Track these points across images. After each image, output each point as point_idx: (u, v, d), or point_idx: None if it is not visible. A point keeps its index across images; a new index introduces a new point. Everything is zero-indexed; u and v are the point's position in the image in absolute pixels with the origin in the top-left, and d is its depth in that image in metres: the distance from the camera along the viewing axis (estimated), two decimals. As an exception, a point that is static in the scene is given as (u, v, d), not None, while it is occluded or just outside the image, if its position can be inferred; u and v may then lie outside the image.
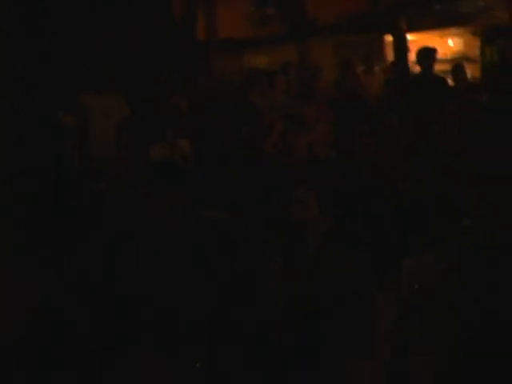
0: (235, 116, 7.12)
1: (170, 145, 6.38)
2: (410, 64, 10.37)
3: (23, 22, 6.81)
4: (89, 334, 3.73)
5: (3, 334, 3.74)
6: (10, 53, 6.49)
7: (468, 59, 10.72)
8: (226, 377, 3.55)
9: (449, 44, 11.41)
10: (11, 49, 6.52)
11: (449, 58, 11.07)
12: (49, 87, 6.77)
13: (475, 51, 11.42)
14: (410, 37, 10.79)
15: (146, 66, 8.09)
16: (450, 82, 7.83)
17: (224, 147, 6.68)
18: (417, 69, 6.68)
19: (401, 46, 10.48)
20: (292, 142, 6.54)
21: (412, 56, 10.64)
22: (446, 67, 8.90)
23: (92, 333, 3.73)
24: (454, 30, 11.82)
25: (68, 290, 4.05)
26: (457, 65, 8.26)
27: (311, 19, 11.12)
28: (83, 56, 7.41)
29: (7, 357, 3.63)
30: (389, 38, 12.15)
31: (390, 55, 11.97)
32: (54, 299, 3.97)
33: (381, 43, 12.57)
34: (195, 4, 9.98)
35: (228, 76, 9.18)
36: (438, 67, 8.04)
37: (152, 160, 6.23)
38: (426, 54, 6.59)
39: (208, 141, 6.74)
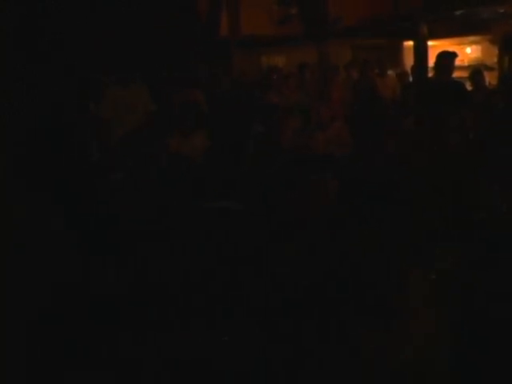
0: (253, 113, 7.22)
1: (181, 138, 6.51)
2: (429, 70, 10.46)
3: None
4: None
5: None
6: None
7: (486, 66, 10.78)
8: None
9: (467, 51, 11.47)
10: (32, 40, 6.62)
11: (466, 64, 11.16)
12: (77, 78, 6.88)
13: (493, 58, 11.47)
14: (429, 43, 10.86)
15: (170, 62, 8.20)
16: (468, 87, 7.90)
17: (242, 143, 6.79)
18: (435, 74, 6.72)
19: (421, 52, 10.53)
20: (306, 139, 6.68)
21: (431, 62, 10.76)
22: (464, 74, 8.98)
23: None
24: (472, 38, 11.88)
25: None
26: (475, 71, 8.33)
27: (332, 21, 11.19)
28: (113, 50, 7.51)
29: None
30: (406, 43, 12.23)
31: (407, 60, 12.05)
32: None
33: (399, 48, 12.65)
34: (220, 2, 10.08)
35: (247, 74, 9.27)
36: (455, 73, 8.10)
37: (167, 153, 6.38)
38: (446, 58, 6.60)
39: (226, 136, 6.84)
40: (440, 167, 5.73)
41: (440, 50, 6.95)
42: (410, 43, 11.44)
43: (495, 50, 11.50)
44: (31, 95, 5.24)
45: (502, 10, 10.59)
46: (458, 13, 10.24)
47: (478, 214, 4.52)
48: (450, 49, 9.62)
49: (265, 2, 11.03)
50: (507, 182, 5.34)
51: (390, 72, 10.09)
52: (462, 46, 11.30)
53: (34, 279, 3.99)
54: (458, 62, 8.57)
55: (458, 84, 6.94)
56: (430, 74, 9.96)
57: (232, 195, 5.57)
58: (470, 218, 4.23)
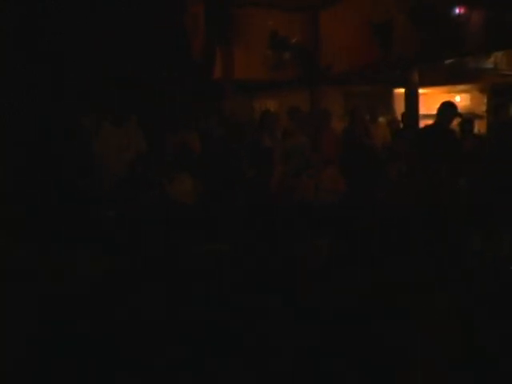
0: (247, 156, 7.24)
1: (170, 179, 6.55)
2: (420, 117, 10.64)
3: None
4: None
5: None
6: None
7: (475, 115, 10.93)
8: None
9: (456, 99, 11.64)
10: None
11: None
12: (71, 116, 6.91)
13: (482, 107, 11.66)
14: (420, 90, 11.04)
15: (164, 103, 8.25)
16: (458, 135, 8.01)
17: (233, 186, 6.80)
18: (436, 122, 6.87)
19: (412, 99, 10.70)
20: (293, 184, 6.70)
21: (420, 108, 10.92)
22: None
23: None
24: (461, 86, 12.09)
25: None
26: (465, 119, 8.45)
27: (324, 67, 11.36)
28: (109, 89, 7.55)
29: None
30: (397, 91, 12.42)
31: (397, 107, 12.23)
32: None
33: (389, 95, 12.84)
34: (214, 44, 10.20)
35: (240, 117, 9.35)
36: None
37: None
38: (449, 109, 6.81)
39: (217, 179, 6.86)
40: (431, 214, 5.76)
41: (430, 98, 7.09)
42: (401, 90, 11.63)
43: (484, 99, 11.69)
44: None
45: (490, 61, 10.83)
46: (447, 62, 10.43)
47: (465, 263, 4.56)
48: (441, 97, 9.82)
49: (259, 47, 11.19)
50: (494, 232, 5.39)
51: (380, 119, 10.22)
52: (451, 94, 11.47)
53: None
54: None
55: (452, 132, 7.06)
56: (422, 122, 10.13)
57: (221, 237, 5.57)
58: (458, 267, 4.27)
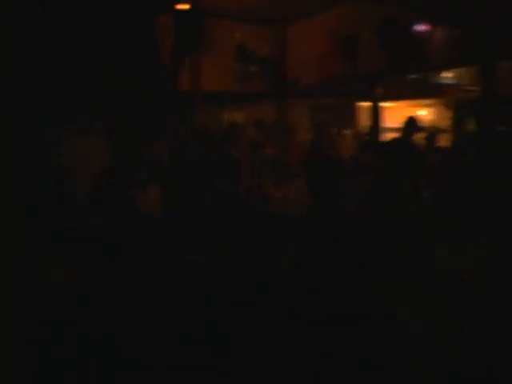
0: (215, 167, 7.24)
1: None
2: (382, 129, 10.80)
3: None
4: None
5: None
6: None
7: (439, 129, 11.11)
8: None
9: (421, 113, 11.82)
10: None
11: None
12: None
13: (446, 121, 11.84)
14: (385, 104, 11.20)
15: (132, 114, 8.21)
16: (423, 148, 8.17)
17: (201, 196, 6.79)
18: (402, 136, 7.07)
19: (377, 113, 10.86)
20: (261, 195, 6.73)
21: (385, 122, 11.08)
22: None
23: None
24: (427, 101, 12.29)
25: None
26: (431, 133, 8.62)
27: (291, 80, 11.44)
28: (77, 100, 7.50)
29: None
30: (360, 104, 12.58)
31: (360, 120, 12.38)
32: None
33: (353, 108, 12.99)
34: (182, 57, 10.20)
35: (208, 128, 9.34)
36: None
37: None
38: (412, 124, 7.10)
39: (185, 189, 6.84)
40: (397, 225, 5.85)
41: (396, 112, 7.24)
42: (364, 104, 11.78)
43: (448, 113, 11.89)
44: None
45: (453, 76, 11.05)
46: (412, 77, 10.61)
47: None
48: (405, 111, 9.99)
49: (226, 59, 11.22)
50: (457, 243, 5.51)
51: (346, 131, 10.35)
52: (416, 109, 11.63)
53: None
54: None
55: (416, 146, 7.21)
56: (387, 135, 10.27)
57: (190, 247, 5.57)
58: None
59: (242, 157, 7.64)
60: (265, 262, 5.19)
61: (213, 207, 6.55)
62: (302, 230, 5.97)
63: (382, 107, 10.98)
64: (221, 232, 5.90)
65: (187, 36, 10.27)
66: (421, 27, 9.35)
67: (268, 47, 11.78)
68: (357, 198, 6.66)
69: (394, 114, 10.91)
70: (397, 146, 7.14)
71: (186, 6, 9.88)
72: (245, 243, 5.61)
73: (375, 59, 10.02)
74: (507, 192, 6.11)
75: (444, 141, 10.75)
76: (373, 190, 6.65)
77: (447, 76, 11.29)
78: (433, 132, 9.05)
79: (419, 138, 9.00)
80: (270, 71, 11.58)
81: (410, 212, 6.17)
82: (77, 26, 7.76)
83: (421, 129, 7.12)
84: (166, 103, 8.99)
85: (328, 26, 10.91)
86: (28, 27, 6.73)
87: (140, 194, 6.51)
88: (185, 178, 6.90)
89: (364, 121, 11.74)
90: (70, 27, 7.73)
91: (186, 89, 10.55)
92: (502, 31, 7.89)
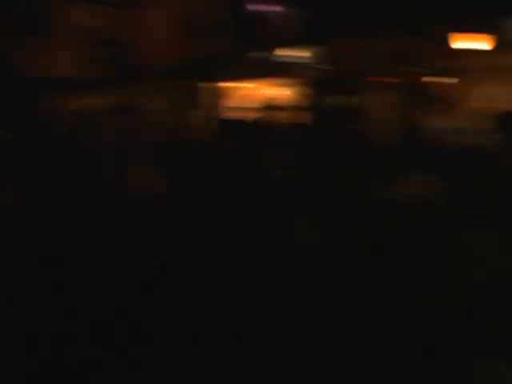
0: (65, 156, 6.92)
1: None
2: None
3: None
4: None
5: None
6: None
7: (298, 106, 11.33)
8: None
9: (278, 92, 11.98)
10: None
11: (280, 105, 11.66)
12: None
13: (303, 99, 12.09)
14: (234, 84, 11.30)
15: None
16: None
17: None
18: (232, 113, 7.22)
19: (215, 93, 11.06)
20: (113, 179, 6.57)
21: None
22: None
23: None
24: (286, 80, 12.48)
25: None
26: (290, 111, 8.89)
27: (137, 65, 11.24)
28: None
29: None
30: (205, 84, 12.64)
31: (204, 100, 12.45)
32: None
33: (198, 89, 13.03)
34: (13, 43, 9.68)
35: (55, 116, 8.94)
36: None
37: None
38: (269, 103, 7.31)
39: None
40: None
41: (246, 92, 7.37)
42: (208, 84, 11.86)
43: (305, 92, 12.11)
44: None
45: (307, 56, 11.30)
46: (254, 57, 10.76)
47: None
48: (261, 90, 10.10)
49: (72, 43, 10.78)
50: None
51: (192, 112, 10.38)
52: (275, 88, 11.77)
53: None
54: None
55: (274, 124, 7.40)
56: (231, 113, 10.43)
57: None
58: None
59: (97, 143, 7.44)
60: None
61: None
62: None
63: (238, 87, 11.05)
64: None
65: (29, 18, 9.76)
66: (266, 8, 9.47)
67: (116, 30, 11.45)
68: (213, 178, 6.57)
69: (252, 94, 10.99)
70: (253, 124, 7.21)
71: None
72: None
73: (221, 40, 10.08)
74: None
75: (304, 117, 11.02)
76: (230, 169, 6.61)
77: (304, 55, 11.53)
78: (291, 109, 9.26)
79: (279, 116, 9.20)
80: (117, 55, 11.26)
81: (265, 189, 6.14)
82: None
83: (280, 107, 7.21)
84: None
85: (175, 8, 10.81)
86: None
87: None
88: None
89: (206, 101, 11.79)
90: None
91: (30, 75, 10.01)
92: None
